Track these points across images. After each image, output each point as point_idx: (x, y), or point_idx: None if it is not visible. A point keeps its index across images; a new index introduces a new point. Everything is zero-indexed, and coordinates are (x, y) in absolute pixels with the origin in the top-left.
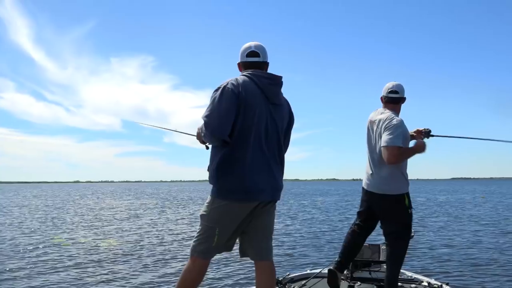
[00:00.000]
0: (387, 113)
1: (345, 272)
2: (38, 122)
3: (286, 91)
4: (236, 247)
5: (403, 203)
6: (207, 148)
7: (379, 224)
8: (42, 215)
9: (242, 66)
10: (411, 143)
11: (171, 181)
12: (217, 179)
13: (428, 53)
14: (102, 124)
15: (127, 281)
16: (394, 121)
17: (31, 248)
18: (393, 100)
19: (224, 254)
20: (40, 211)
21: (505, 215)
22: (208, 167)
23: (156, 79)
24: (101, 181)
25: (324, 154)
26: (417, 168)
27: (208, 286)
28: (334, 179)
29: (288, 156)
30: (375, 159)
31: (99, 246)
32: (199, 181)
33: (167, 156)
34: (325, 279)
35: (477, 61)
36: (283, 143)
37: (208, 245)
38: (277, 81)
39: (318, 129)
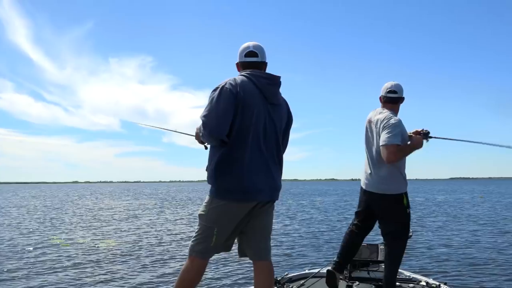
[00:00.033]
0: (386, 113)
1: (344, 272)
2: (37, 122)
3: (286, 91)
4: (234, 247)
5: (402, 203)
6: (206, 148)
7: (377, 224)
8: (41, 216)
9: (241, 66)
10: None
11: (170, 181)
12: (216, 179)
13: (428, 53)
14: (101, 125)
15: (126, 281)
16: (392, 120)
17: (30, 248)
18: (392, 100)
19: (223, 254)
20: (38, 212)
21: (503, 214)
22: (207, 167)
23: (155, 79)
24: (100, 182)
25: (323, 154)
26: (415, 168)
27: (206, 286)
28: (333, 179)
29: (287, 156)
30: (374, 159)
31: (97, 247)
32: (198, 181)
33: (166, 156)
34: (324, 279)
35: (477, 61)
36: (282, 143)
37: (206, 245)
38: (275, 81)
39: (318, 129)
